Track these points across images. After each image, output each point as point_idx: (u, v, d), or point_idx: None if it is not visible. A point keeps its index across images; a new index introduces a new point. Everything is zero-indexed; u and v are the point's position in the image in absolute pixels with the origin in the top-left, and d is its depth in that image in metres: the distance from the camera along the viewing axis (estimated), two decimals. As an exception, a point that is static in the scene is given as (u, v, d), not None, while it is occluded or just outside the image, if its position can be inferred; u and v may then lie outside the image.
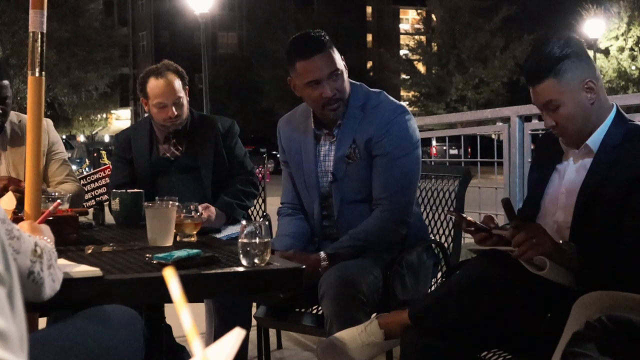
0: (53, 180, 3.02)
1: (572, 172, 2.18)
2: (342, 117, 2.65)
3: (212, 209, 2.96)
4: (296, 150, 2.79)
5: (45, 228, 1.82)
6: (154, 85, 3.06)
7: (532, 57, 2.13)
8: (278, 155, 3.00)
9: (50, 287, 1.48)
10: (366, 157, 2.61)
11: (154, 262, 1.89)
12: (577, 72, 2.08)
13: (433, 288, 2.75)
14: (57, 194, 2.53)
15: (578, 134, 2.13)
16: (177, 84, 3.08)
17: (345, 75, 2.64)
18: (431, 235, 2.97)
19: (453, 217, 1.99)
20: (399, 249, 2.60)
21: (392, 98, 2.73)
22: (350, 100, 2.66)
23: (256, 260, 1.88)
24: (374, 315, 2.31)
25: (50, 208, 2.09)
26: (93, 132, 34.38)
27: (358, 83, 2.74)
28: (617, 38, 26.58)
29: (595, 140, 2.12)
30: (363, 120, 2.64)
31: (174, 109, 3.05)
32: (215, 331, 2.77)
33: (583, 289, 1.94)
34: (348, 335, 2.22)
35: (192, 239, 2.34)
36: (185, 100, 3.11)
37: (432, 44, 32.51)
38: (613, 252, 1.98)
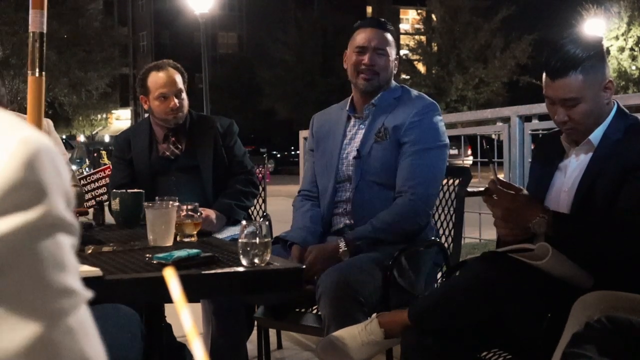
0: None
1: (574, 169, 2.19)
2: (377, 100, 2.77)
3: (212, 211, 2.96)
4: (325, 134, 2.91)
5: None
6: (155, 78, 3.10)
7: (559, 51, 2.12)
8: (304, 147, 3.14)
9: None
10: (393, 141, 2.69)
11: (154, 262, 1.89)
12: (600, 72, 2.11)
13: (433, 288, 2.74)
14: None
15: (586, 131, 2.15)
16: (178, 78, 3.13)
17: (392, 63, 2.79)
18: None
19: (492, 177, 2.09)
20: (400, 247, 2.59)
21: (429, 97, 2.84)
22: (387, 92, 2.80)
23: (256, 260, 1.88)
24: (374, 314, 2.31)
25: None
26: (93, 132, 34.36)
27: (400, 85, 2.88)
28: (617, 38, 26.55)
29: (596, 135, 2.15)
30: (396, 109, 2.75)
31: (175, 100, 3.07)
32: (212, 332, 2.77)
33: (583, 287, 1.94)
34: (348, 333, 2.22)
35: (192, 239, 2.34)
36: (185, 96, 3.14)
37: (432, 44, 32.47)
38: (588, 223, 2.03)
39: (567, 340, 1.72)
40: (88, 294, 0.60)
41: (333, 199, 2.79)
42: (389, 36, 2.80)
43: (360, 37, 2.79)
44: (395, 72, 2.84)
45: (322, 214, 2.80)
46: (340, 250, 2.57)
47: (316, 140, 2.96)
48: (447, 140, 2.77)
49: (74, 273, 0.59)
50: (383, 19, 2.90)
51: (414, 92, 2.84)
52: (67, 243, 0.59)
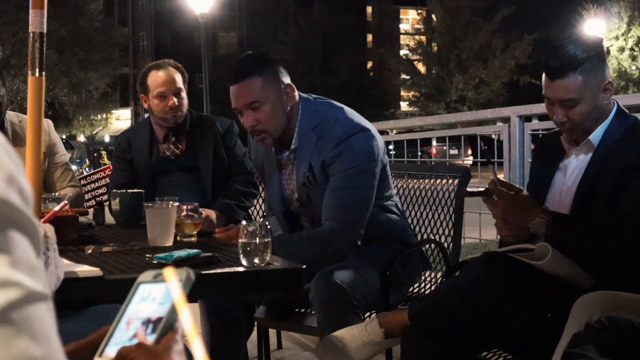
0: (60, 187, 3.03)
1: (574, 169, 2.19)
2: (295, 142, 2.51)
3: (213, 211, 2.96)
4: (261, 167, 2.73)
5: (49, 228, 1.83)
6: (154, 76, 3.12)
7: (558, 52, 2.11)
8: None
9: (55, 274, 1.47)
10: (323, 181, 2.48)
11: (154, 262, 1.89)
12: (599, 73, 2.11)
13: (432, 288, 2.75)
14: (57, 194, 2.53)
15: (585, 132, 2.15)
16: (178, 77, 3.14)
17: (275, 106, 2.43)
18: (431, 235, 2.97)
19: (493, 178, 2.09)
20: (397, 249, 2.59)
21: (351, 116, 2.52)
22: (301, 122, 2.50)
23: (256, 260, 1.88)
24: (374, 314, 2.31)
25: (57, 208, 2.08)
26: (93, 132, 34.38)
27: (312, 99, 2.56)
28: (617, 38, 26.58)
29: (596, 136, 2.15)
30: (317, 142, 2.48)
31: (174, 99, 3.08)
32: (211, 332, 2.76)
33: (583, 287, 1.95)
34: (348, 333, 2.22)
35: (192, 239, 2.34)
36: (185, 95, 3.15)
37: (432, 44, 32.50)
38: (588, 224, 2.03)
39: (567, 340, 1.72)
40: (45, 293, 0.57)
41: (288, 229, 2.66)
42: (255, 79, 2.41)
43: (231, 97, 2.46)
44: (294, 95, 2.48)
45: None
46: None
47: (256, 167, 2.84)
48: (376, 156, 2.47)
49: (22, 268, 0.56)
50: (244, 61, 2.47)
51: (331, 113, 2.50)
52: (14, 235, 0.57)
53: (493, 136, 5.54)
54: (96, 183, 3.43)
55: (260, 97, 2.42)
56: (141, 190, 2.78)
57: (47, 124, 3.01)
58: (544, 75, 2.15)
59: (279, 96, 2.46)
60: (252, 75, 2.42)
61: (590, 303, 1.82)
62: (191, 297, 0.80)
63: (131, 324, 0.82)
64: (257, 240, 1.88)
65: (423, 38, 33.80)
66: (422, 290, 2.81)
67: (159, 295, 0.82)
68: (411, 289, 2.76)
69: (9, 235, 0.56)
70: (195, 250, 1.95)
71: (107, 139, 33.25)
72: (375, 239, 2.55)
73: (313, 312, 2.59)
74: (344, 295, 2.34)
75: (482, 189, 2.12)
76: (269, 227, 1.92)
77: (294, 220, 2.69)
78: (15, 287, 0.55)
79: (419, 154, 9.35)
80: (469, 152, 10.83)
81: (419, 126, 7.67)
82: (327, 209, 2.45)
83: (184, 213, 2.34)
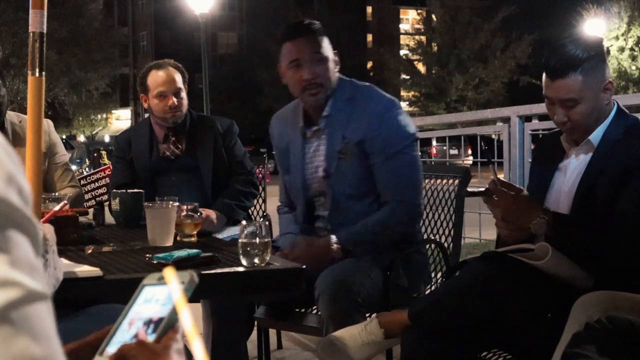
0: (60, 187, 3.04)
1: (574, 169, 2.19)
2: (328, 109, 2.60)
3: (213, 211, 2.96)
4: (285, 149, 2.77)
5: (49, 228, 1.83)
6: (154, 76, 3.12)
7: (559, 51, 2.10)
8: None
9: (54, 275, 1.47)
10: (359, 154, 2.56)
11: (154, 262, 1.90)
12: (600, 73, 2.10)
13: (432, 288, 2.75)
14: (57, 194, 2.53)
15: (586, 131, 2.15)
16: (178, 77, 3.14)
17: (332, 65, 2.60)
18: (431, 235, 2.97)
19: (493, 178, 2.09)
20: (399, 248, 2.59)
21: (381, 92, 2.66)
22: (337, 93, 2.61)
23: (256, 260, 1.88)
24: (374, 314, 2.31)
25: (57, 207, 2.08)
26: (93, 132, 34.39)
27: (347, 79, 2.69)
28: (617, 38, 26.60)
29: (596, 136, 2.14)
30: (352, 114, 2.58)
31: (174, 98, 3.08)
32: (213, 332, 2.77)
33: (583, 287, 1.95)
34: (348, 333, 2.22)
35: (192, 239, 2.34)
36: (184, 95, 3.16)
37: (432, 44, 32.52)
38: (589, 224, 2.04)
39: (567, 340, 1.72)
40: (44, 292, 0.57)
41: (305, 217, 2.70)
42: (320, 37, 2.59)
43: (291, 51, 2.58)
44: (337, 68, 2.63)
45: (301, 227, 2.72)
46: (333, 247, 2.49)
47: (277, 153, 2.87)
48: (414, 132, 2.61)
49: (22, 267, 0.56)
50: (306, 21, 2.66)
51: (365, 87, 2.65)
52: (14, 234, 0.57)
53: (493, 136, 5.55)
54: (96, 183, 3.43)
55: (324, 52, 2.59)
56: (141, 190, 2.78)
57: (47, 124, 3.01)
58: (544, 75, 2.15)
59: (333, 58, 2.63)
60: (311, 34, 2.59)
61: (590, 303, 1.82)
62: (191, 298, 0.80)
63: (133, 325, 0.82)
64: (257, 240, 1.89)
65: (423, 38, 33.79)
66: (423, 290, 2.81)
67: (162, 296, 0.82)
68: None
69: (9, 235, 0.56)
70: (195, 250, 1.95)
71: (107, 139, 33.26)
72: None
73: (314, 312, 2.59)
74: (350, 293, 2.35)
75: (483, 189, 2.12)
76: (268, 226, 1.92)
77: (311, 210, 2.70)
78: (15, 287, 0.55)
79: (419, 154, 9.34)
80: (469, 152, 10.84)
81: (419, 126, 7.66)
82: (385, 189, 2.56)
83: (184, 213, 2.34)
